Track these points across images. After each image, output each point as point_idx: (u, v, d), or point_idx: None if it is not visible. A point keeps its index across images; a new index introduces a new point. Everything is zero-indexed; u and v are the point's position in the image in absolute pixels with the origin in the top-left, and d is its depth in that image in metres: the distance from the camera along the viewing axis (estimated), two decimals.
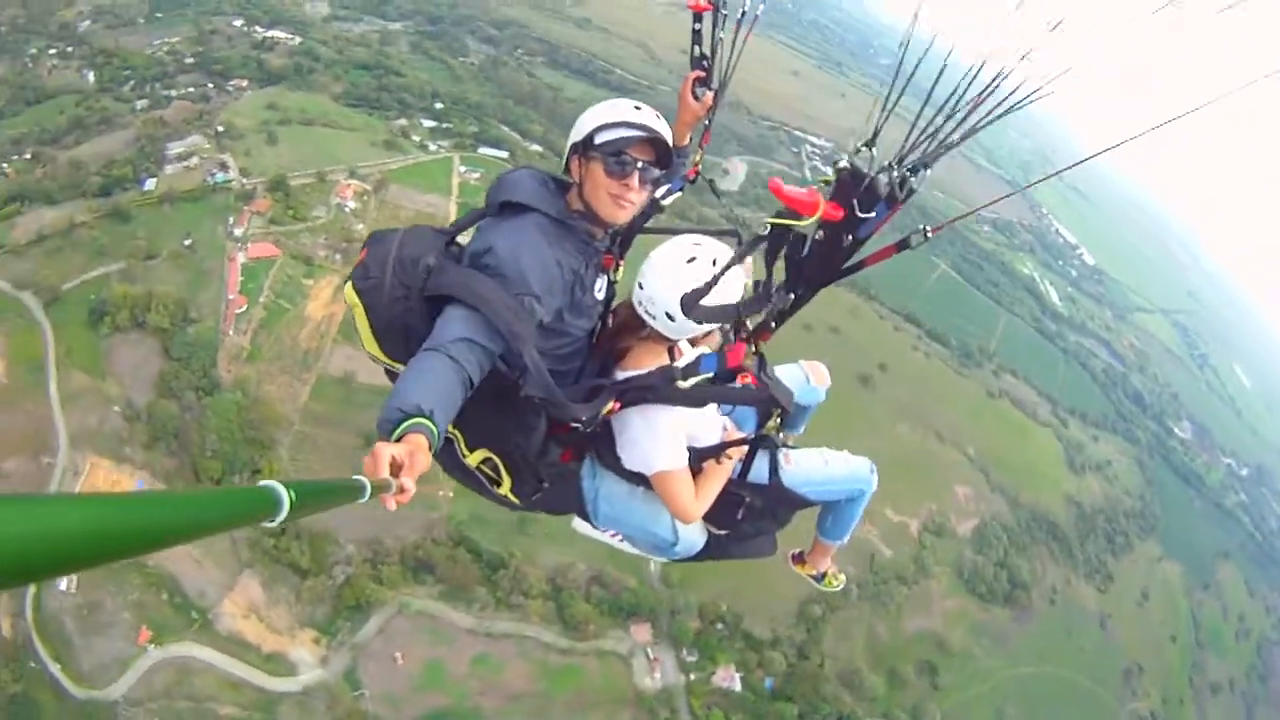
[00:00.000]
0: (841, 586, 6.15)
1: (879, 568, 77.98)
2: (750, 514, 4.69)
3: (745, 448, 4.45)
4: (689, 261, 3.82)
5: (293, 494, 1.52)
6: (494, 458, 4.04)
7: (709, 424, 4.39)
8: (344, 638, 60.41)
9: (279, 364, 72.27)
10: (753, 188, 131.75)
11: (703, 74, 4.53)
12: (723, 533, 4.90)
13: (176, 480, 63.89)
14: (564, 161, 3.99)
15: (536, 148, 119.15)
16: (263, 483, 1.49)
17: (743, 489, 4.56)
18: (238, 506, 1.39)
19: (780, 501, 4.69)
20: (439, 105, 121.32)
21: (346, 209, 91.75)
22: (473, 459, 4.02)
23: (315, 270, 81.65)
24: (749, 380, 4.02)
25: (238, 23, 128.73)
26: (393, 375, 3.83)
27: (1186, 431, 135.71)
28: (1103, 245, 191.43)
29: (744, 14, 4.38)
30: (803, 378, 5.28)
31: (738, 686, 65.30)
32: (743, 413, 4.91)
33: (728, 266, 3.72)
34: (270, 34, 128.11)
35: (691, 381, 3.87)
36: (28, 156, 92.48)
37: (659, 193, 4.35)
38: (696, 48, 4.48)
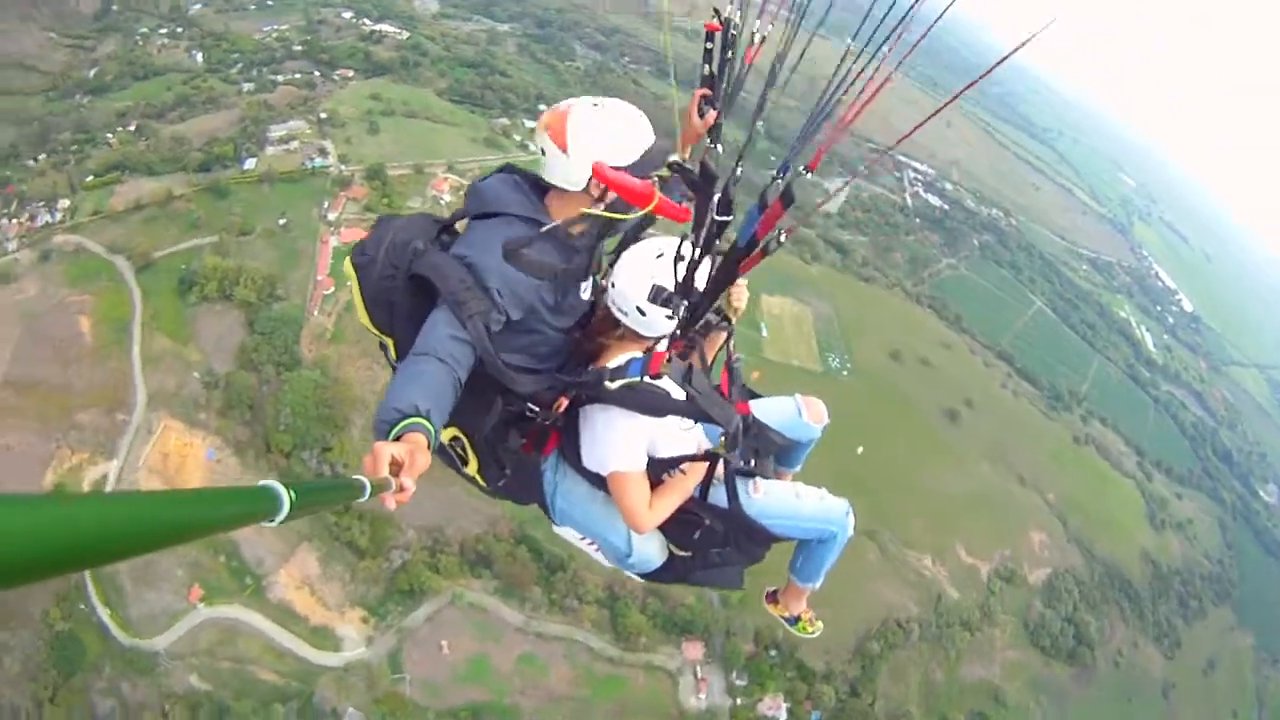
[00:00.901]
0: (817, 634, 5.71)
1: (944, 610, 75.23)
2: (710, 538, 4.56)
3: (705, 466, 4.32)
4: (657, 256, 3.95)
5: (293, 494, 1.51)
6: (462, 437, 4.17)
7: (672, 435, 4.25)
8: (393, 621, 60.59)
9: (360, 347, 72.09)
10: (851, 210, 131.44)
11: (709, 92, 4.61)
12: (685, 554, 4.78)
13: (247, 450, 65.17)
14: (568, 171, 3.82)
15: None
16: (263, 482, 1.48)
17: (702, 510, 4.45)
18: (238, 506, 1.39)
19: (740, 529, 4.51)
20: (541, 107, 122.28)
21: (442, 202, 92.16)
22: (444, 435, 4.11)
23: None
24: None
25: (347, 14, 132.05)
26: (384, 349, 4.15)
27: (1273, 495, 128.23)
28: (1202, 292, 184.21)
29: (758, 35, 4.43)
30: (794, 411, 5.12)
31: (783, 716, 63.46)
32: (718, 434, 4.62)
33: (691, 260, 3.51)
34: (379, 27, 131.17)
35: (618, 384, 3.84)
36: (132, 129, 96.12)
37: None
38: (706, 66, 4.55)
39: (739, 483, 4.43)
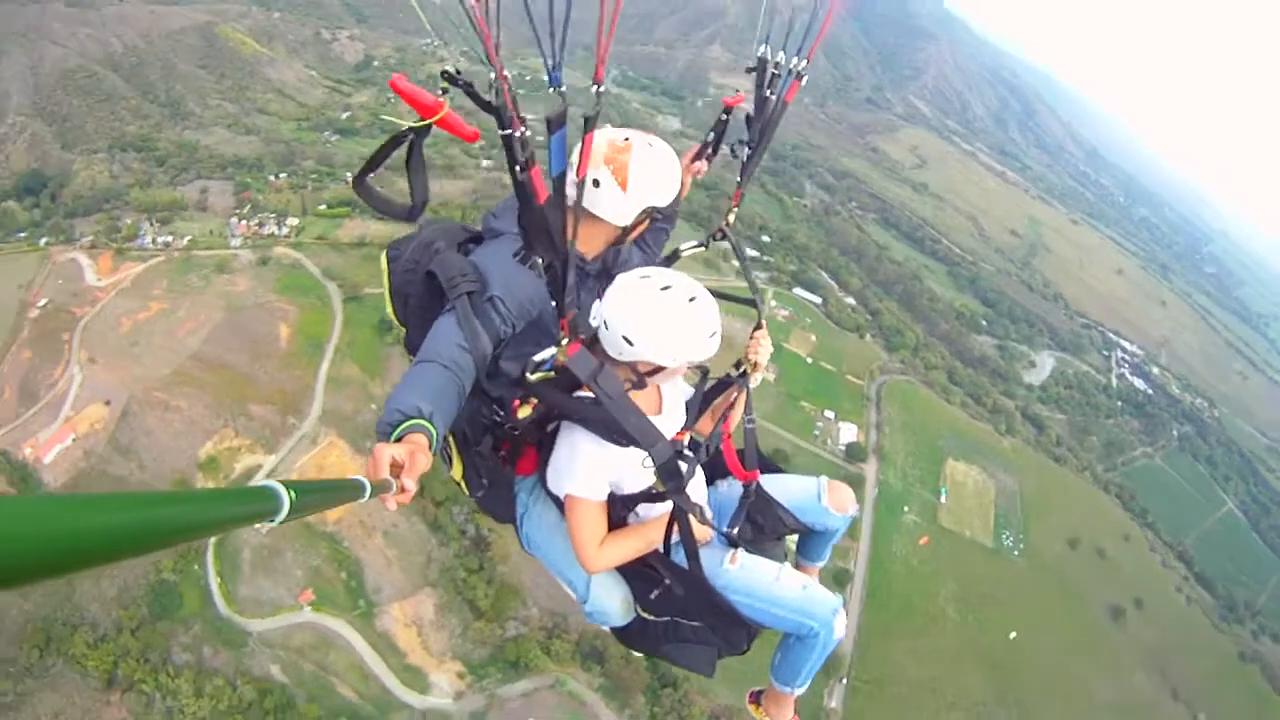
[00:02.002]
0: None
1: None
2: (668, 602, 4.13)
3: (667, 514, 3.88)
4: (642, 277, 3.68)
5: (293, 494, 1.50)
6: (450, 436, 4.03)
7: (638, 472, 3.79)
8: (488, 685, 59.97)
9: None
10: (1054, 385, 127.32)
11: (709, 154, 4.55)
12: (650, 618, 4.29)
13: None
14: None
15: (850, 300, 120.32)
16: (263, 482, 1.47)
17: (662, 565, 4.04)
18: (238, 507, 1.37)
19: (703, 599, 4.01)
20: (765, 238, 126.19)
21: None
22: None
23: None
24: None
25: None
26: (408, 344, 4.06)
27: None
28: None
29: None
30: (814, 493, 4.50)
31: None
32: (725, 501, 4.46)
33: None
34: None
35: (537, 375, 3.63)
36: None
37: (682, 247, 4.75)
38: (713, 134, 4.46)
39: (715, 549, 4.11)
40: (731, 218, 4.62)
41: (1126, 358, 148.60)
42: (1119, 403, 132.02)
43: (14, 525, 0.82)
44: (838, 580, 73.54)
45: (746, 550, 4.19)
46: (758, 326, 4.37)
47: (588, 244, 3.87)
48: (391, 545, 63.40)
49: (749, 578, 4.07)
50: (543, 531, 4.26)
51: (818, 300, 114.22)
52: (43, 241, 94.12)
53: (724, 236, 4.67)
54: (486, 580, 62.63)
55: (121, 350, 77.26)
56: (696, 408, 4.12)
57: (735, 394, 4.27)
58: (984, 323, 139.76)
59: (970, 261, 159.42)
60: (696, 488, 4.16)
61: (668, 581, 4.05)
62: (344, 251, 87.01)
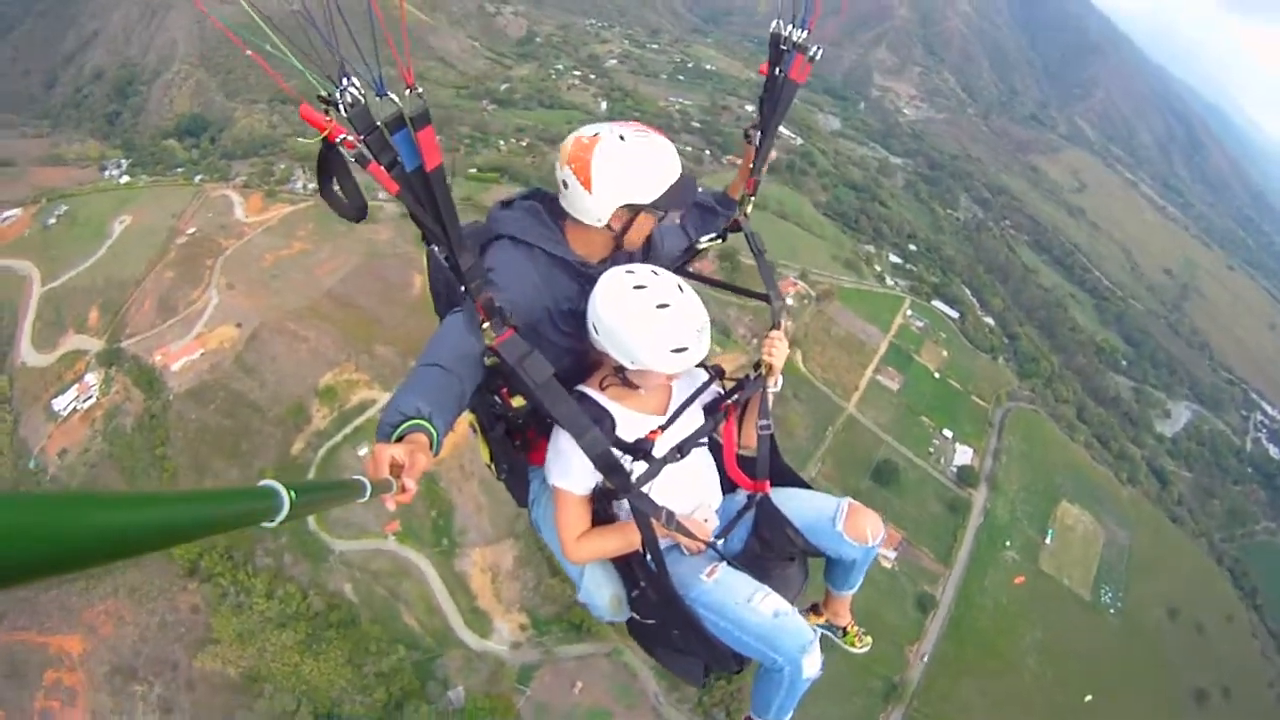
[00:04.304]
0: None
1: None
2: (644, 605, 4.01)
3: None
4: (627, 272, 3.62)
5: (293, 494, 1.49)
6: (475, 422, 4.14)
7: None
8: (547, 641, 61.05)
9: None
10: (1186, 439, 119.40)
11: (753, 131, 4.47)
12: (640, 619, 4.16)
13: None
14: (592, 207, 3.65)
15: (989, 320, 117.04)
16: (262, 482, 1.46)
17: (637, 567, 3.90)
18: (237, 507, 1.35)
19: (670, 608, 3.83)
20: (912, 246, 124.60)
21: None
22: (468, 417, 4.09)
23: (729, 343, 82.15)
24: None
25: (749, 108, 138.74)
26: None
27: None
28: None
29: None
30: (829, 514, 4.06)
31: None
32: (729, 512, 4.18)
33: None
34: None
35: (489, 361, 3.38)
36: (524, 144, 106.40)
37: (700, 239, 4.50)
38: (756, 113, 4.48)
39: (700, 560, 3.97)
40: (749, 208, 4.53)
41: (1266, 421, 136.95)
42: (1250, 469, 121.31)
43: (11, 524, 0.81)
44: (921, 606, 71.56)
45: (752, 568, 3.99)
46: (774, 326, 4.17)
47: (585, 246, 3.77)
48: (485, 493, 64.47)
49: (721, 595, 3.83)
50: (546, 519, 4.21)
51: (955, 315, 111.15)
52: (198, 178, 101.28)
53: (739, 228, 4.56)
54: None
55: (260, 281, 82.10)
56: (711, 411, 4.01)
57: (763, 396, 4.11)
58: (1124, 362, 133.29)
59: (1119, 296, 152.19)
60: (683, 491, 3.93)
61: (640, 583, 3.95)
62: (486, 214, 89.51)
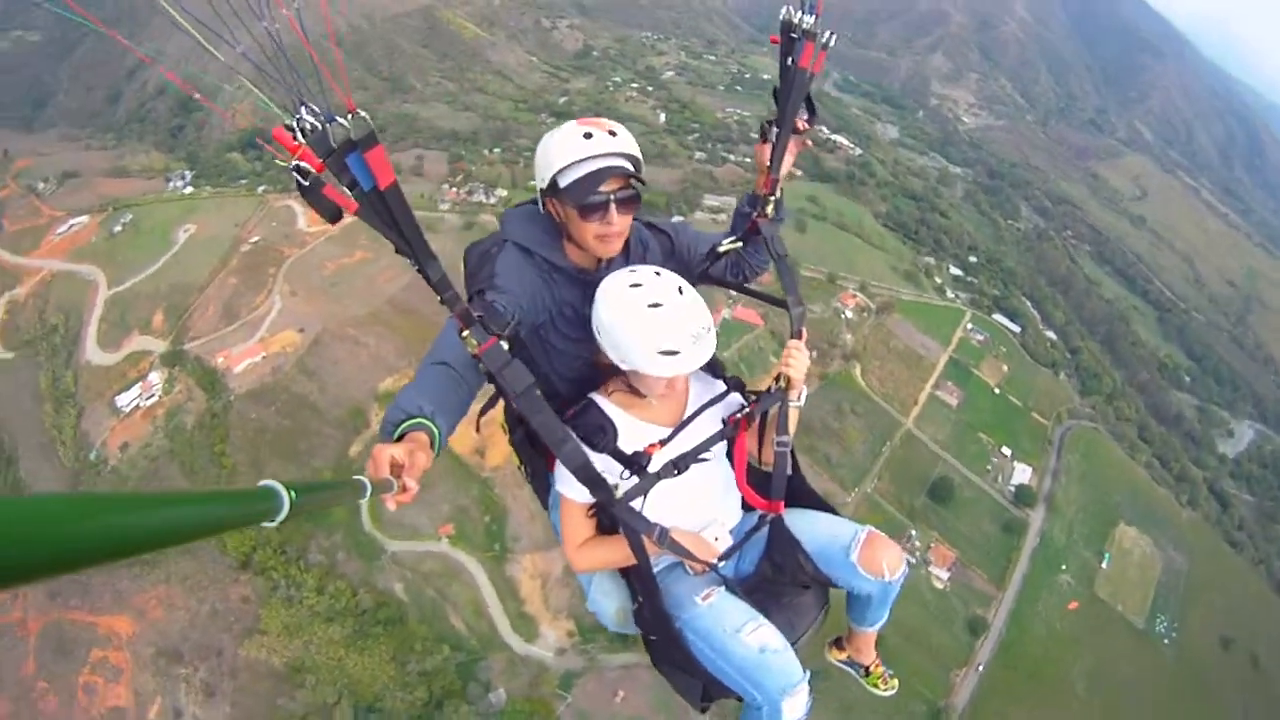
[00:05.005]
0: None
1: None
2: (640, 620, 3.81)
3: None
4: (630, 271, 3.54)
5: (293, 494, 1.49)
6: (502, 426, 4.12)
7: (613, 478, 3.58)
8: (593, 650, 61.26)
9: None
10: (1249, 460, 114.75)
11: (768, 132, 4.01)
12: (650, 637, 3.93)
13: None
14: (540, 201, 3.72)
15: (1051, 334, 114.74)
16: (262, 482, 1.46)
17: (633, 579, 3.77)
18: (237, 507, 1.35)
19: (661, 629, 3.64)
20: (972, 258, 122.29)
21: (843, 315, 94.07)
22: (499, 419, 4.08)
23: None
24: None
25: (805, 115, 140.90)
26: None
27: None
28: None
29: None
30: (844, 542, 3.72)
31: None
32: (744, 532, 3.86)
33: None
34: (835, 137, 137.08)
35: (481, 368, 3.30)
36: None
37: (721, 243, 4.20)
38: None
39: (700, 580, 3.75)
40: (770, 209, 4.09)
41: None
42: None
43: (13, 525, 0.81)
44: (972, 629, 70.40)
45: (763, 593, 3.80)
46: (794, 335, 3.86)
47: (574, 250, 3.69)
48: (539, 500, 65.23)
49: (710, 621, 3.55)
50: (559, 524, 4.09)
51: (1016, 329, 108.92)
52: (261, 189, 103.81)
53: (757, 231, 4.12)
54: None
55: (322, 289, 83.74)
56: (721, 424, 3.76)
57: (762, 411, 3.85)
58: (1187, 378, 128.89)
59: (1182, 309, 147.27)
60: (687, 507, 3.73)
61: (639, 599, 3.77)
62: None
